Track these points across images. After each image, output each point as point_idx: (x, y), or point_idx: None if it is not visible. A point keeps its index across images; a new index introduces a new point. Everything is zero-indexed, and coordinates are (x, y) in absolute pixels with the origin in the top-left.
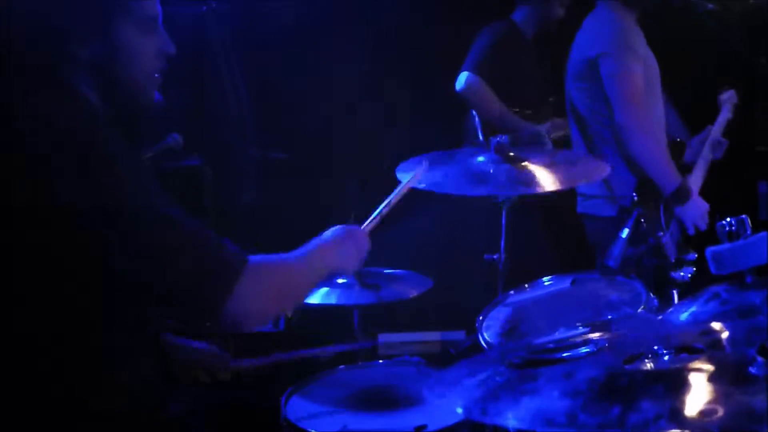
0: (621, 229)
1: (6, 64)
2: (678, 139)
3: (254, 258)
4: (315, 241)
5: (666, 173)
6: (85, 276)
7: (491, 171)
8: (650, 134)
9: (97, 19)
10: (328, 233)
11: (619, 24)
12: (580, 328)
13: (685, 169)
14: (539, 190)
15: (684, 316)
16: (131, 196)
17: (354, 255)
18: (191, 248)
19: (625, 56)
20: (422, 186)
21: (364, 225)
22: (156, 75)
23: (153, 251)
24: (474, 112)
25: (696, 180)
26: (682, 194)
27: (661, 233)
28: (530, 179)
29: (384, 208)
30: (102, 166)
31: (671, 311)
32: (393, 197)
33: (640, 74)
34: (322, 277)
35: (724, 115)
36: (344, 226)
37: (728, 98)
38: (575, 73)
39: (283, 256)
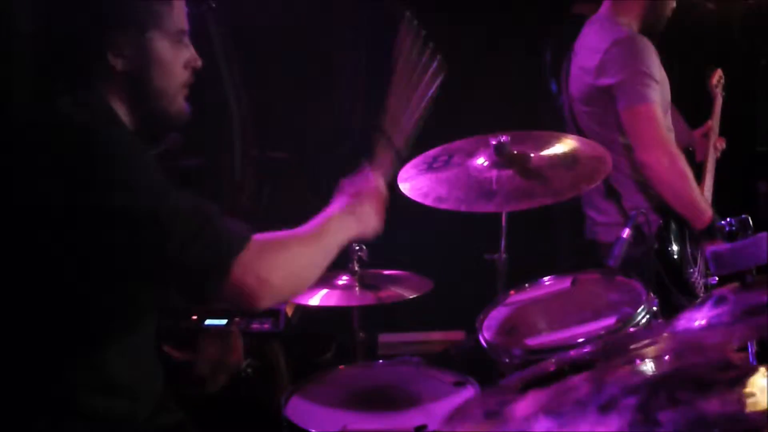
0: (622, 230)
1: (39, 70)
2: (690, 149)
3: (260, 235)
4: (326, 213)
5: (696, 210)
6: (91, 260)
7: (494, 183)
8: (677, 169)
9: (133, 30)
10: (339, 199)
11: (633, 45)
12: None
13: (697, 168)
14: (545, 202)
15: (698, 322)
16: (133, 176)
17: (372, 217)
18: (193, 221)
19: (642, 84)
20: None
21: (378, 173)
22: (185, 88)
23: (154, 222)
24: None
25: (708, 187)
26: (713, 230)
27: (692, 269)
28: (536, 190)
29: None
30: (121, 162)
31: (682, 317)
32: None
33: (659, 102)
34: (334, 251)
35: (719, 102)
36: (355, 184)
37: (717, 81)
38: (581, 96)
39: (292, 234)
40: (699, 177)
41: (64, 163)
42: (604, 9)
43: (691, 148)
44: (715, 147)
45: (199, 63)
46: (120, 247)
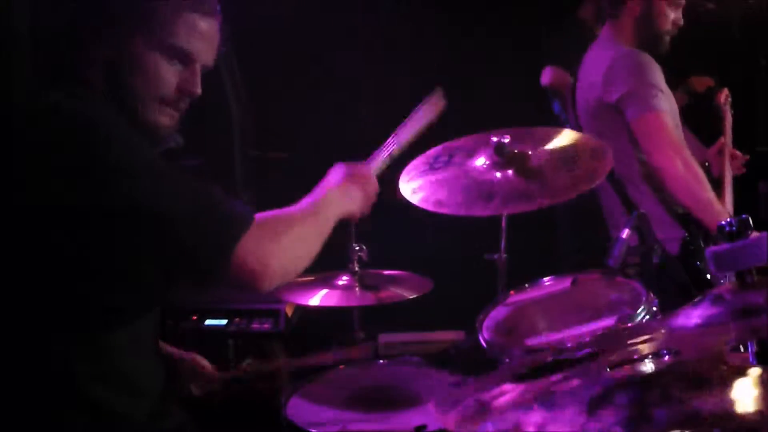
0: (622, 231)
1: (26, 63)
2: (706, 164)
3: (260, 215)
4: (319, 190)
5: (713, 211)
6: (93, 250)
7: (494, 183)
8: (691, 170)
9: (117, 28)
10: (332, 177)
11: (635, 58)
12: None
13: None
14: (544, 204)
15: (692, 320)
16: (135, 157)
17: (361, 198)
18: (195, 203)
19: (649, 94)
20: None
21: (370, 163)
22: (168, 106)
23: (157, 206)
24: (557, 104)
25: (729, 201)
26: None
27: (723, 280)
28: (535, 192)
29: (392, 146)
30: (118, 146)
31: (679, 314)
32: (403, 134)
33: (668, 111)
34: (329, 226)
35: (729, 119)
36: (348, 165)
37: (725, 99)
38: (590, 112)
39: (287, 210)
40: (718, 193)
41: (65, 156)
42: (603, 34)
43: (706, 164)
44: (731, 161)
45: (198, 92)
46: (123, 235)
